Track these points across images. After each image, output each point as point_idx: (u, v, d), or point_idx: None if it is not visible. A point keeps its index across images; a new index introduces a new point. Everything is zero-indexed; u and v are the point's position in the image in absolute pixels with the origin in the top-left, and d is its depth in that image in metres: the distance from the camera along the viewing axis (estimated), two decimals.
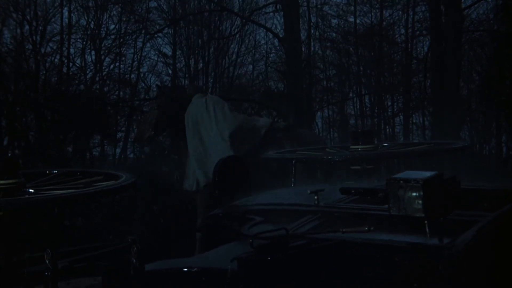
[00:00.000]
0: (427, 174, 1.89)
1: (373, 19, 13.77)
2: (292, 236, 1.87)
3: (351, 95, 14.57)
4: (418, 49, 13.75)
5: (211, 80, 13.52)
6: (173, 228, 6.07)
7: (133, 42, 12.33)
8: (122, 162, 11.37)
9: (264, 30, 13.46)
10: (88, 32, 11.29)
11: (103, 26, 11.66)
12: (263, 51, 14.47)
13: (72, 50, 11.14)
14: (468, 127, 12.59)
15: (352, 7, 13.52)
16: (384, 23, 13.75)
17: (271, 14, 13.37)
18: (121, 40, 11.93)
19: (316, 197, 2.34)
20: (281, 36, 12.41)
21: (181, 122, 5.49)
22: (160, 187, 7.49)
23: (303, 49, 12.86)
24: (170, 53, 13.26)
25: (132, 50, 12.38)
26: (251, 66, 14.43)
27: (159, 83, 10.40)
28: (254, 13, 13.01)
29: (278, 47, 13.88)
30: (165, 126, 5.77)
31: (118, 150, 11.91)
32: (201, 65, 13.46)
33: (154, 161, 10.45)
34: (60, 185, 2.46)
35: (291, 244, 1.83)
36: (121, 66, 12.24)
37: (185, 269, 1.89)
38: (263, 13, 13.30)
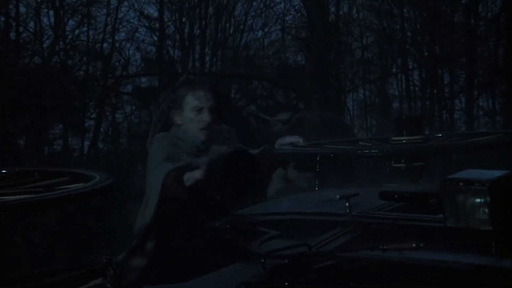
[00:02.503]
0: (496, 174, 1.89)
1: None
2: (317, 254, 1.88)
3: (394, 70, 14.52)
4: (488, 5, 13.62)
5: (210, 51, 13.55)
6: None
7: (106, 0, 12.37)
8: (92, 158, 11.45)
9: None
10: None
11: None
12: (279, 12, 14.46)
13: (22, 9, 11.18)
14: None
15: None
16: None
17: None
18: None
19: (347, 204, 2.35)
20: None
21: None
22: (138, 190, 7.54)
23: (330, 9, 12.84)
24: (155, 15, 13.30)
25: (105, 11, 12.43)
26: (261, 32, 14.43)
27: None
28: None
29: (297, 7, 13.87)
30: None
31: (86, 143, 11.99)
32: (197, 30, 13.48)
33: (132, 157, 10.52)
34: (11, 188, 2.48)
35: (315, 265, 1.85)
36: (90, 32, 12.29)
37: None
38: None
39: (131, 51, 13.10)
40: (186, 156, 3.30)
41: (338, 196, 2.38)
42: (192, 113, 3.36)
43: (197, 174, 3.06)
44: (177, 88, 3.65)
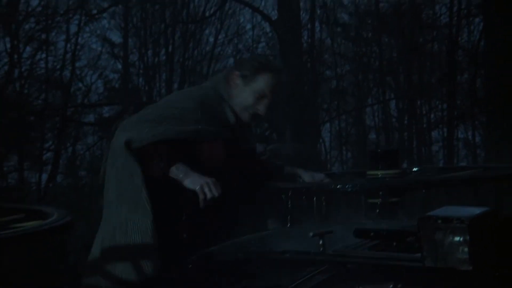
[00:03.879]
0: (476, 211, 1.91)
1: None
2: None
3: (371, 100, 14.67)
4: (466, 35, 13.90)
5: (178, 80, 13.57)
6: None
7: (66, 25, 12.37)
8: (51, 193, 11.31)
9: (251, 11, 13.59)
10: None
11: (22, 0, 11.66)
12: (249, 40, 14.59)
13: None
14: None
15: None
16: None
17: None
18: (49, 22, 11.93)
19: (321, 242, 2.36)
20: (273, 19, 12.52)
21: None
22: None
23: (304, 37, 12.98)
24: (119, 41, 13.32)
25: (64, 37, 12.41)
26: (232, 60, 14.52)
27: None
28: None
29: (269, 34, 14.01)
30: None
31: (44, 177, 11.85)
32: (163, 57, 13.52)
33: (93, 192, 10.41)
34: None
35: None
36: (49, 58, 12.25)
37: None
38: None
39: (93, 78, 13.06)
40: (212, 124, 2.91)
41: (311, 234, 2.39)
42: (254, 93, 2.99)
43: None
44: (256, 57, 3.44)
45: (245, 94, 2.98)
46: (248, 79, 2.96)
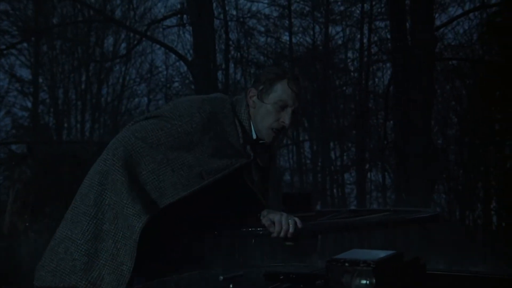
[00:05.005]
0: (381, 254, 1.95)
1: (316, 38, 14.28)
2: None
3: (285, 141, 14.83)
4: (376, 80, 14.29)
5: (89, 118, 13.37)
6: None
7: None
8: None
9: (164, 50, 13.59)
10: None
11: None
12: (162, 79, 14.58)
13: None
14: (445, 187, 12.94)
15: (287, 21, 13.95)
16: (331, 43, 14.28)
17: (175, 29, 13.55)
18: None
19: (231, 286, 2.36)
20: (189, 59, 12.57)
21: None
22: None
23: (219, 77, 13.06)
24: (28, 78, 13.04)
25: None
26: (146, 99, 14.45)
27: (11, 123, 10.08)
28: (152, 27, 13.11)
29: (184, 74, 14.05)
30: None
31: None
32: (73, 96, 13.31)
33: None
34: None
35: None
36: None
37: None
38: (163, 27, 13.45)
39: (0, 116, 12.70)
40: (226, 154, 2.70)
41: (221, 278, 2.38)
42: (274, 105, 2.73)
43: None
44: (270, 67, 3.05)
45: (266, 109, 2.74)
46: (265, 92, 2.74)
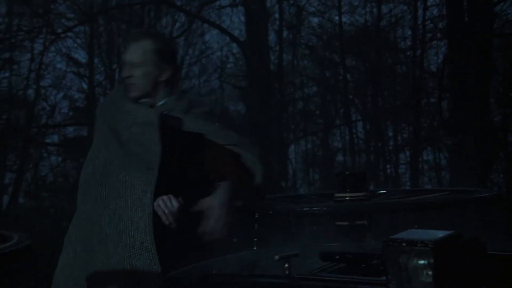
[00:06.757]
0: (439, 234, 1.92)
1: (367, 17, 14.12)
2: None
3: (338, 122, 14.76)
4: (431, 58, 14.07)
5: None
6: None
7: (30, 44, 12.27)
8: (12, 215, 11.14)
9: (218, 31, 13.61)
10: None
11: None
12: (217, 60, 14.62)
13: None
14: (503, 166, 12.72)
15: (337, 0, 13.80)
16: (383, 22, 14.11)
17: (228, 10, 13.55)
18: (12, 40, 11.83)
19: (286, 265, 2.35)
20: (241, 40, 12.56)
21: None
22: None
23: (271, 58, 13.04)
24: (84, 60, 13.23)
25: (29, 55, 12.30)
26: (198, 80, 14.52)
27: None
28: (205, 8, 13.14)
29: (237, 55, 14.05)
30: None
31: (6, 199, 11.67)
32: None
33: (57, 214, 10.28)
34: None
35: None
36: (13, 77, 12.12)
37: None
38: (216, 7, 13.46)
39: (57, 98, 12.92)
40: None
41: (277, 257, 2.38)
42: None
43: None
44: None
45: None
46: None
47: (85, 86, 13.40)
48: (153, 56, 2.70)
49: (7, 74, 11.96)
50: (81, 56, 13.17)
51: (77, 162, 11.79)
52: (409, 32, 13.91)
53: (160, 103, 2.73)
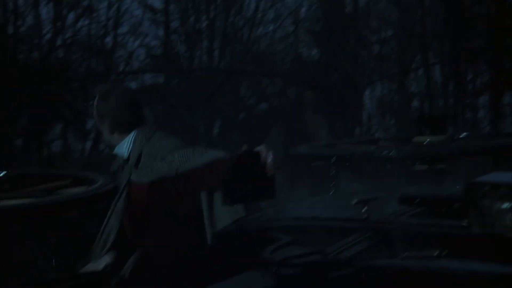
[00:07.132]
0: None
1: None
2: (333, 262, 1.89)
3: (415, 65, 14.47)
4: None
5: (219, 46, 13.54)
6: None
7: None
8: (94, 160, 11.45)
9: None
10: None
11: None
12: (291, 4, 14.44)
13: (20, 1, 11.20)
14: None
15: None
16: None
17: None
18: None
19: (365, 209, 2.35)
20: None
21: None
22: None
23: (346, 1, 12.84)
24: (160, 7, 13.31)
25: (106, 3, 12.44)
26: (273, 25, 14.40)
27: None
28: None
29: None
30: None
31: (88, 144, 11.99)
32: (204, 23, 13.48)
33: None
34: (10, 192, 2.49)
35: (331, 273, 1.85)
36: (91, 25, 12.31)
37: None
38: None
39: (135, 45, 13.06)
40: None
41: (355, 201, 2.38)
42: None
43: None
44: None
45: None
46: None
47: (161, 33, 13.49)
48: None
49: (86, 22, 12.14)
50: (157, 3, 13.23)
51: (154, 109, 11.98)
52: None
53: None
